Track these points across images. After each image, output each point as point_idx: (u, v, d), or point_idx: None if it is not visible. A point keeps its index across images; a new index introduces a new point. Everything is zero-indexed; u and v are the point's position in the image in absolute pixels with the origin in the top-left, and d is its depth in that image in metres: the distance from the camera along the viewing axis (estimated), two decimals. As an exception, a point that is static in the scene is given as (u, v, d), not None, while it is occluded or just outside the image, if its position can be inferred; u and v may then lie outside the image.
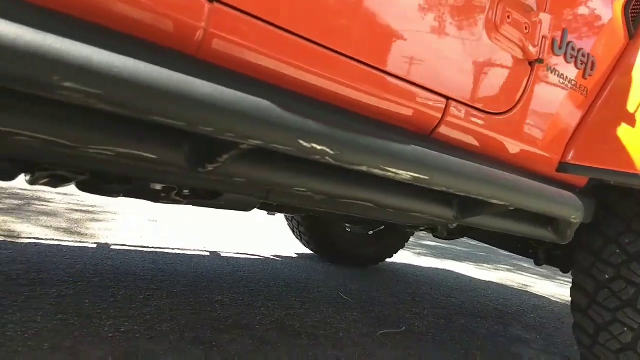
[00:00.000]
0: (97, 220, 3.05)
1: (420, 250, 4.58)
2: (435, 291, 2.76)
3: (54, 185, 1.00)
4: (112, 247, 2.36)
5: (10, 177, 0.95)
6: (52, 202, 3.39)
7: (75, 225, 2.75)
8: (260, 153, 0.83)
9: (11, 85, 0.51)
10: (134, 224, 3.15)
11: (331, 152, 0.74)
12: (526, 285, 3.78)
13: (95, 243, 2.37)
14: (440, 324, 2.08)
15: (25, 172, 0.97)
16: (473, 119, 1.03)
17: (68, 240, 2.32)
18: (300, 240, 3.02)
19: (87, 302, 1.53)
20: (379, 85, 0.88)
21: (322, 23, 0.80)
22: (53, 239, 2.29)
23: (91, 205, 3.56)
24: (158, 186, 1.11)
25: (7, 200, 3.13)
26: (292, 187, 0.88)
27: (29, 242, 2.15)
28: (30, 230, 2.38)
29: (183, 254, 2.50)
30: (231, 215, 4.57)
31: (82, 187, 1.05)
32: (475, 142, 1.08)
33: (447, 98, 0.98)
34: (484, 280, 3.56)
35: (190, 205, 1.36)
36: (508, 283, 3.70)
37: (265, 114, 0.66)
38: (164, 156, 0.74)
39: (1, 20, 0.49)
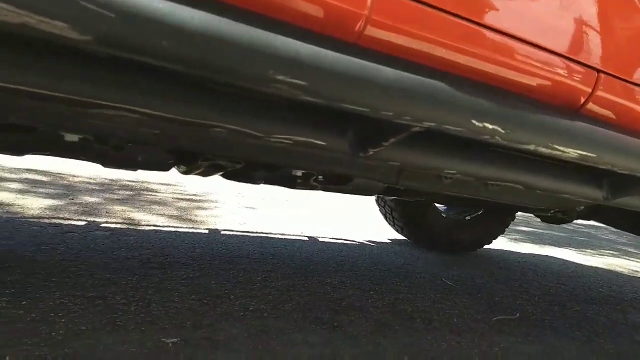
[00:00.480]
0: (202, 208, 3.24)
1: (517, 236, 4.39)
2: (542, 278, 2.65)
3: (206, 175, 1.08)
4: (222, 232, 2.50)
5: (166, 168, 1.04)
6: (160, 192, 3.64)
7: (185, 213, 2.94)
8: (418, 137, 0.84)
9: (237, 82, 0.56)
10: (235, 211, 3.31)
11: (502, 131, 0.73)
12: (637, 272, 3.50)
13: (206, 229, 2.52)
14: (555, 311, 2.00)
15: (181, 163, 1.06)
16: (625, 93, 0.97)
17: (182, 227, 2.49)
18: (393, 226, 3.01)
19: (213, 283, 1.63)
20: (532, 60, 0.84)
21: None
22: (169, 226, 2.47)
23: (194, 195, 3.78)
24: (298, 173, 1.16)
25: (121, 192, 3.40)
26: (444, 169, 0.88)
27: (150, 229, 2.33)
28: (147, 219, 2.58)
29: (285, 238, 2.59)
30: (319, 202, 4.65)
31: (229, 176, 1.13)
32: (627, 118, 1.01)
33: (598, 71, 0.92)
34: (591, 267, 3.35)
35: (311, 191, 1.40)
36: (617, 269, 3.45)
37: (442, 97, 0.67)
38: (332, 143, 0.78)
39: (231, 22, 0.54)
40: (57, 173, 3.61)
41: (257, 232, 2.63)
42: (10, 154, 0.95)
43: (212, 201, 3.61)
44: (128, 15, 0.49)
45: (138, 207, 2.87)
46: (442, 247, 2.94)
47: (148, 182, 4.06)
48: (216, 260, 1.92)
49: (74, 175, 3.63)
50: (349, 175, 1.19)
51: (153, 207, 2.98)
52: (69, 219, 2.26)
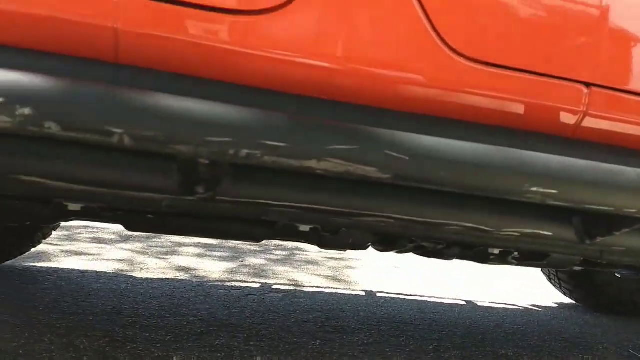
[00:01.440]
0: (350, 267, 3.36)
1: None
2: None
3: (402, 252, 1.18)
4: (378, 294, 2.56)
5: (366, 247, 1.16)
6: (309, 251, 3.86)
7: (337, 273, 3.07)
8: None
9: (491, 195, 0.65)
10: (381, 270, 3.37)
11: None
12: None
13: (363, 291, 2.60)
14: None
15: (384, 243, 1.18)
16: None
17: (340, 288, 2.61)
18: (560, 289, 2.80)
19: (388, 351, 1.68)
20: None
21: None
22: (329, 287, 2.60)
23: (338, 254, 3.94)
24: (495, 251, 1.20)
25: (277, 252, 3.68)
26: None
27: (314, 291, 2.48)
28: (308, 280, 2.75)
29: (442, 302, 2.57)
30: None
31: (423, 253, 1.21)
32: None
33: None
34: None
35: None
36: None
37: None
38: (558, 233, 0.82)
39: (494, 148, 0.64)
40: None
41: (412, 295, 2.65)
42: (251, 241, 1.15)
43: (355, 259, 3.72)
44: (418, 157, 0.61)
45: (296, 268, 3.08)
46: (619, 310, 2.66)
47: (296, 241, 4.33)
48: (383, 326, 1.97)
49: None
50: (547, 252, 1.19)
51: (308, 267, 3.17)
52: (245, 282, 2.51)
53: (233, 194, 0.74)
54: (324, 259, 3.59)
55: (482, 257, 1.23)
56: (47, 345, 1.40)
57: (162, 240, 3.50)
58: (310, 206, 0.77)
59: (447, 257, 1.24)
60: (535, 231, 0.80)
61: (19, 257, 2.25)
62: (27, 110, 0.51)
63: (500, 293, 3.01)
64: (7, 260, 2.10)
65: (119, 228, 3.64)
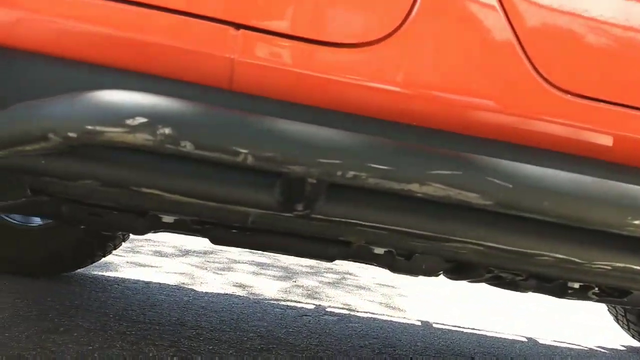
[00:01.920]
0: (402, 295, 3.31)
1: None
2: None
3: (475, 282, 1.16)
4: (434, 325, 2.50)
5: (434, 274, 1.16)
6: (360, 276, 3.84)
7: (390, 300, 3.03)
8: None
9: (590, 227, 0.65)
10: (432, 300, 3.29)
11: None
12: None
13: (418, 321, 2.55)
14: None
15: (458, 272, 1.17)
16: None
17: (395, 316, 2.57)
18: (628, 330, 2.64)
19: (449, 383, 1.64)
20: None
21: None
22: (383, 314, 2.57)
23: (390, 280, 3.89)
24: (575, 285, 1.17)
25: (328, 275, 3.68)
26: None
27: (368, 317, 2.46)
28: (361, 305, 2.73)
29: (501, 337, 2.47)
30: (494, 295, 4.33)
31: (497, 283, 1.19)
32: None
33: None
34: None
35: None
36: None
37: None
38: None
39: (599, 181, 0.64)
40: (273, 256, 4.08)
41: (470, 328, 2.57)
42: (324, 260, 1.18)
43: (404, 286, 3.66)
44: (521, 186, 0.62)
45: (348, 292, 3.07)
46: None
47: (347, 265, 4.31)
48: (440, 358, 1.93)
49: (286, 257, 4.05)
50: (632, 289, 1.14)
51: (360, 292, 3.15)
52: (299, 302, 2.53)
53: (326, 212, 0.77)
54: (376, 285, 3.55)
55: (560, 291, 1.19)
56: (119, 350, 1.47)
57: (218, 256, 3.59)
58: (397, 228, 0.78)
59: (523, 290, 1.21)
60: (628, 265, 0.77)
61: (89, 266, 2.37)
62: (167, 130, 0.57)
63: (564, 328, 2.86)
64: (79, 268, 2.22)
65: (178, 242, 3.77)
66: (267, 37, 0.69)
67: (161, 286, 2.36)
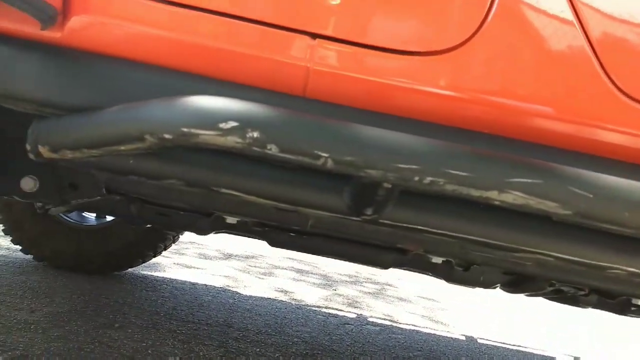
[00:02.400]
0: (444, 309, 3.25)
1: None
2: None
3: (534, 295, 1.14)
4: (479, 341, 2.45)
5: (493, 286, 1.14)
6: (399, 288, 3.80)
7: (432, 313, 2.99)
8: None
9: None
10: (477, 315, 3.22)
11: None
12: None
13: (462, 335, 2.50)
14: None
15: (516, 284, 1.15)
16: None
17: (437, 330, 2.53)
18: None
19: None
20: None
21: None
22: (426, 327, 2.53)
23: (431, 293, 3.83)
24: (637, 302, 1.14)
25: (368, 285, 3.66)
26: None
27: (410, 329, 2.43)
28: (402, 317, 2.70)
29: (546, 355, 2.40)
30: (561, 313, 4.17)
31: (557, 298, 1.17)
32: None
33: None
34: None
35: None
36: None
37: None
38: None
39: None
40: (312, 263, 4.09)
41: (515, 345, 2.50)
42: (378, 267, 1.19)
43: (445, 299, 3.59)
44: (603, 196, 0.61)
45: (389, 303, 3.04)
46: None
47: (382, 275, 4.27)
48: (489, 374, 1.88)
49: (325, 265, 4.06)
50: None
51: (401, 304, 3.11)
52: (341, 310, 2.52)
53: (394, 217, 0.78)
54: (416, 298, 3.50)
55: (623, 308, 1.15)
56: (171, 348, 1.51)
57: (259, 261, 3.63)
58: (465, 236, 0.78)
59: (583, 305, 1.17)
60: None
61: (138, 266, 2.45)
62: (256, 134, 0.60)
63: (608, 344, 2.74)
64: (130, 267, 2.29)
65: (220, 246, 3.84)
66: (343, 46, 0.71)
67: (207, 287, 2.41)
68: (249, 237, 1.22)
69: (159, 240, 2.18)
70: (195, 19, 0.70)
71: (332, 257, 1.20)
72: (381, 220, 0.79)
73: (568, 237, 0.77)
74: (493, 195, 0.63)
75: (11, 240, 2.15)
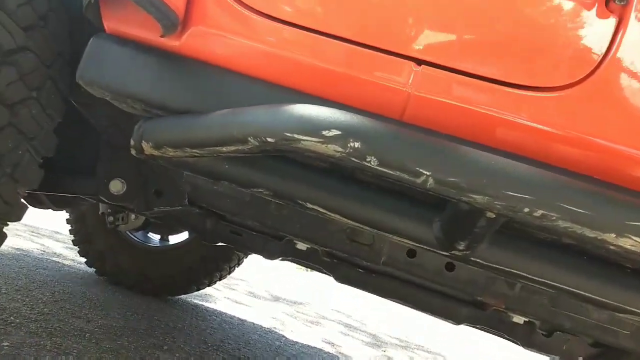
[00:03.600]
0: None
1: None
2: None
3: None
4: None
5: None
6: None
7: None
8: None
9: None
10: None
11: None
12: None
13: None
14: None
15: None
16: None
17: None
18: None
19: None
20: None
21: None
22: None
23: None
24: None
25: (420, 352, 3.44)
26: None
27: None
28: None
29: None
30: None
31: None
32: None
33: None
34: None
35: None
36: None
37: None
38: None
39: None
40: (361, 320, 3.93)
41: None
42: (449, 320, 1.10)
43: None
44: None
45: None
46: None
47: (433, 344, 4.02)
48: None
49: (374, 323, 3.89)
50: None
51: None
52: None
53: (488, 257, 0.72)
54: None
55: None
56: (216, 379, 1.46)
57: (307, 309, 3.54)
58: (563, 286, 0.70)
59: None
60: None
61: (190, 295, 2.45)
62: (357, 144, 0.59)
63: None
64: (185, 293, 2.30)
65: (270, 287, 3.80)
66: (447, 74, 0.69)
67: (255, 326, 2.35)
68: (316, 269, 1.19)
69: (215, 269, 2.18)
70: (303, 37, 0.72)
71: (399, 302, 1.12)
72: (472, 259, 0.73)
73: None
74: (609, 238, 0.57)
75: (78, 252, 2.22)
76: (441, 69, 0.70)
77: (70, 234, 2.25)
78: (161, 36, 0.72)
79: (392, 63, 0.71)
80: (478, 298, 0.95)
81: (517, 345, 1.11)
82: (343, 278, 1.12)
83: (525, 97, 0.68)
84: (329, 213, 0.75)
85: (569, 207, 0.57)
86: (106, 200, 1.01)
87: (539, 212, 0.57)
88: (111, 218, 2.10)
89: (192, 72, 0.72)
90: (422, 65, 0.71)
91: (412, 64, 0.70)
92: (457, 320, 1.09)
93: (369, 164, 0.59)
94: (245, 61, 0.73)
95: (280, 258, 1.17)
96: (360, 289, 1.14)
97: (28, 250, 2.49)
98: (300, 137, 0.60)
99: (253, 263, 4.32)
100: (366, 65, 0.71)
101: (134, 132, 0.71)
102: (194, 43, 0.73)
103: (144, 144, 0.69)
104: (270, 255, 1.16)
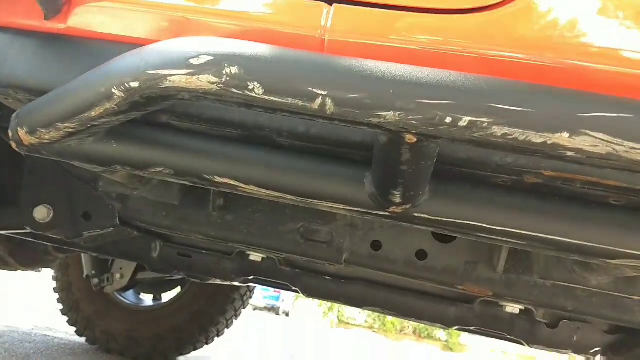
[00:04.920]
0: None
1: None
2: None
3: None
4: None
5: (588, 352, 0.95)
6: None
7: None
8: None
9: None
10: None
11: None
12: None
13: None
14: None
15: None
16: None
17: None
18: None
19: None
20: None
21: None
22: None
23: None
24: None
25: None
26: None
27: None
28: None
29: None
30: None
31: None
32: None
33: None
34: None
35: None
36: None
37: None
38: None
39: None
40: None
41: None
42: (442, 325, 1.00)
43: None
44: None
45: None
46: None
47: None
48: None
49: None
50: None
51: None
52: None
53: (433, 209, 0.62)
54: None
55: None
56: None
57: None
58: (540, 235, 0.59)
59: None
60: None
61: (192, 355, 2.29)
62: (234, 69, 0.50)
63: None
64: (181, 354, 2.14)
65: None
66: (361, 9, 0.64)
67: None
68: (280, 287, 1.08)
69: (210, 323, 2.05)
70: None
71: (379, 311, 1.00)
72: (417, 215, 0.62)
73: None
74: (562, 140, 0.45)
75: (67, 321, 2.11)
76: (354, 5, 0.63)
77: (58, 302, 2.15)
78: (45, 19, 0.69)
79: (310, 6, 0.64)
80: (459, 288, 0.83)
81: (525, 347, 0.98)
82: (310, 290, 1.02)
83: (447, 21, 0.60)
84: (242, 186, 0.65)
85: (502, 106, 0.45)
86: (33, 230, 0.93)
87: (466, 120, 0.46)
88: (96, 280, 2.01)
89: (77, 50, 0.68)
90: (334, 4, 0.64)
91: (323, 4, 0.64)
92: (447, 323, 0.97)
93: (253, 94, 0.50)
94: (129, 28, 0.68)
95: (239, 279, 1.07)
96: (331, 300, 1.04)
97: (16, 326, 2.38)
98: (166, 72, 0.52)
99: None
100: (275, 12, 0.66)
101: (10, 123, 0.65)
102: (79, 21, 0.70)
103: (20, 132, 0.62)
104: (226, 276, 1.07)
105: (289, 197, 0.66)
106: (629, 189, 0.58)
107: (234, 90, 0.51)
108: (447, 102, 0.47)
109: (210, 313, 2.03)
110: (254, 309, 9.22)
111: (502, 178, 0.63)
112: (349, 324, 8.99)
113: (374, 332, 8.74)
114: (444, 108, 0.47)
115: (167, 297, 2.18)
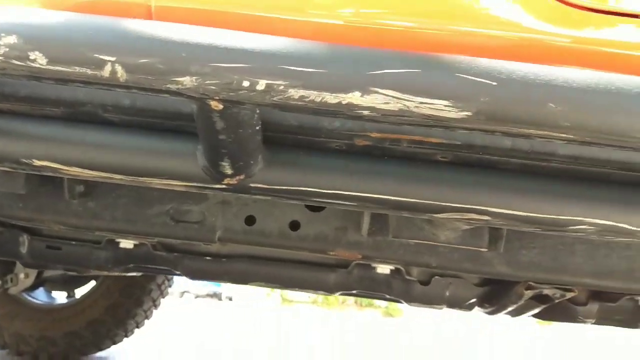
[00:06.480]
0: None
1: None
2: None
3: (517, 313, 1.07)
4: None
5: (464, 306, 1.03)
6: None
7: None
8: None
9: None
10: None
11: None
12: None
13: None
14: None
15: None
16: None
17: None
18: None
19: None
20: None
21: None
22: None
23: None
24: None
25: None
26: None
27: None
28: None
29: None
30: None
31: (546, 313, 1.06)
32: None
33: None
34: None
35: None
36: None
37: None
38: None
39: None
40: None
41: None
42: (322, 292, 1.05)
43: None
44: (515, 84, 0.48)
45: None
46: None
47: None
48: None
49: None
50: None
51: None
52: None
53: (269, 178, 0.63)
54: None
55: (634, 317, 0.96)
56: None
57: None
58: (358, 194, 0.64)
59: (582, 318, 0.98)
60: None
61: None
62: (12, 39, 0.47)
63: None
64: (100, 350, 2.09)
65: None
66: None
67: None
68: (163, 273, 1.08)
69: (127, 316, 2.02)
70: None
71: (265, 285, 1.03)
72: (253, 185, 0.63)
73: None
74: (356, 99, 0.47)
75: (-25, 329, 2.00)
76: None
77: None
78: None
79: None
80: (331, 253, 0.88)
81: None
82: (193, 272, 1.02)
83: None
84: (64, 168, 0.63)
85: (296, 68, 0.46)
86: None
87: (262, 84, 0.46)
88: (-1, 282, 1.92)
89: None
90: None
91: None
92: (329, 289, 1.02)
93: (37, 64, 0.47)
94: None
95: (117, 268, 1.05)
96: (217, 280, 1.05)
97: None
98: None
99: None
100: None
101: None
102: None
103: None
104: (101, 266, 1.04)
105: (117, 176, 0.64)
106: (450, 145, 0.63)
107: (14, 61, 0.48)
108: (243, 65, 0.47)
109: (126, 305, 1.99)
110: (196, 297, 9.10)
111: (336, 142, 0.65)
112: (292, 301, 9.08)
113: (318, 306, 8.89)
114: (241, 71, 0.47)
115: (81, 293, 2.12)
